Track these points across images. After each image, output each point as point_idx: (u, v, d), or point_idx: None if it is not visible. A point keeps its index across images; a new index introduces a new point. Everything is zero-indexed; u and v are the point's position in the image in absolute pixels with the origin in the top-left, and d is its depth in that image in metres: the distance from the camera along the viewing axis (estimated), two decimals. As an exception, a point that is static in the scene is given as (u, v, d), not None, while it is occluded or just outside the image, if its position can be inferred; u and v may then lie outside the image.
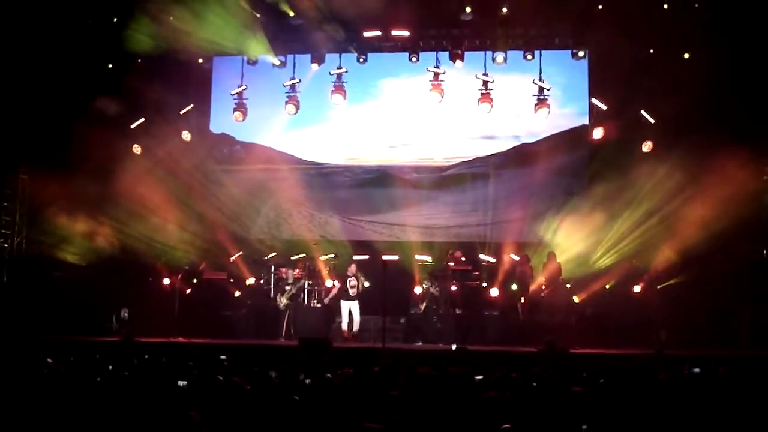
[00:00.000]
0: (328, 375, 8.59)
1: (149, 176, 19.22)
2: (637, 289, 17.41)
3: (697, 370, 10.30)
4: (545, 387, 8.75)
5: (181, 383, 7.98)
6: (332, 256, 18.35)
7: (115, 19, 19.10)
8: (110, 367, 9.95)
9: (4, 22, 18.13)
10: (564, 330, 16.36)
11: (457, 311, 17.79)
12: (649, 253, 17.58)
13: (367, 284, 17.63)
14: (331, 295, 18.00)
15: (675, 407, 6.47)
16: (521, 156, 19.91)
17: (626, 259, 17.90)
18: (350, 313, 17.66)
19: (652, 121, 18.19)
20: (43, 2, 17.29)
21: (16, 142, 19.43)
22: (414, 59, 19.41)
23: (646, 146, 18.27)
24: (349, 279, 17.77)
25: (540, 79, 18.93)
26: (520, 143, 20.06)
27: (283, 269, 18.56)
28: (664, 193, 17.71)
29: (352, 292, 17.69)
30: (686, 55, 17.62)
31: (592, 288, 17.48)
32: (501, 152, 20.19)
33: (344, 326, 17.63)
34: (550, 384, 8.91)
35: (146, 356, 11.86)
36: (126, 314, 18.51)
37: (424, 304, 17.58)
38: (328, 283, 18.25)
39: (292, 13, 18.93)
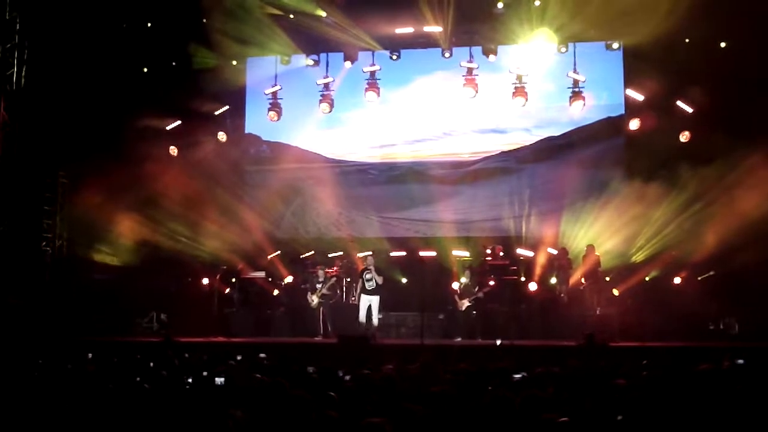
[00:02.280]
0: (367, 372, 8.61)
1: (186, 177, 19.35)
2: (677, 280, 17.23)
3: (740, 361, 10.18)
4: (586, 381, 8.70)
5: (218, 381, 8.03)
6: (369, 253, 18.26)
7: (149, 24, 19.25)
8: (151, 365, 10.05)
9: (43, 28, 18.42)
10: (604, 323, 16.27)
11: (496, 306, 17.69)
12: (688, 244, 17.38)
13: (380, 280, 16.92)
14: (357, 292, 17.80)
15: (715, 399, 6.39)
16: (550, 149, 19.81)
17: (666, 250, 17.73)
18: (369, 309, 17.01)
19: (690, 110, 17.98)
20: (79, 8, 17.43)
21: (56, 145, 19.67)
22: (447, 55, 19.33)
23: (684, 136, 18.11)
24: (365, 272, 17.16)
25: (574, 71, 18.79)
26: (547, 136, 19.91)
27: (317, 267, 18.56)
28: (702, 183, 17.53)
29: (369, 285, 16.98)
30: (723, 44, 17.40)
31: (632, 280, 17.31)
32: (527, 146, 20.08)
33: (361, 320, 16.93)
34: (591, 378, 8.86)
35: (186, 355, 11.96)
36: (164, 317, 18.64)
37: (463, 300, 17.49)
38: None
39: (324, 14, 18.99)
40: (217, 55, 19.69)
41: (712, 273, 17.02)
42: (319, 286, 17.91)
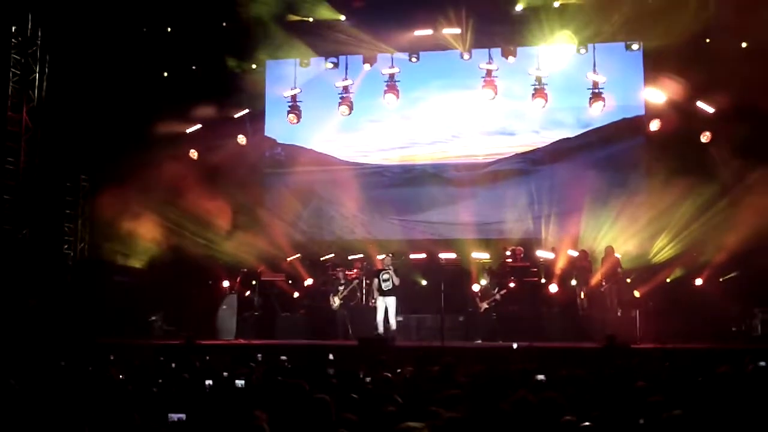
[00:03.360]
0: (388, 374, 8.63)
1: (206, 180, 19.43)
2: (698, 281, 17.13)
3: (763, 363, 10.12)
4: (607, 383, 8.68)
5: (238, 383, 8.06)
6: (386, 256, 18.20)
7: (169, 29, 19.35)
8: (173, 365, 10.11)
9: (64, 34, 18.57)
10: (625, 325, 16.21)
11: (516, 308, 17.65)
12: (710, 244, 17.28)
13: (397, 281, 16.79)
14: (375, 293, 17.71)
15: (737, 402, 6.36)
16: (567, 150, 19.77)
17: (687, 251, 17.65)
18: (386, 311, 16.84)
19: (710, 111, 17.88)
20: (100, 13, 17.55)
21: (78, 150, 19.84)
22: (466, 57, 19.31)
23: (704, 137, 18.02)
24: (381, 273, 17.01)
25: (594, 72, 18.74)
26: (564, 138, 19.88)
27: (338, 270, 18.59)
28: (723, 183, 17.45)
29: (386, 286, 16.81)
30: (744, 45, 17.31)
31: (653, 281, 17.23)
32: (545, 147, 20.04)
33: (379, 322, 16.78)
34: (612, 380, 8.83)
35: (207, 357, 12.02)
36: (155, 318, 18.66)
37: (483, 302, 17.47)
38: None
39: (343, 17, 19.06)
40: (236, 59, 19.83)
41: (734, 274, 16.91)
42: (341, 288, 17.94)
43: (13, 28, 18.77)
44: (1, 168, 18.63)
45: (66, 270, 20.08)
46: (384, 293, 16.82)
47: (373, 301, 17.52)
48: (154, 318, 18.54)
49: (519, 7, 18.11)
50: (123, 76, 19.02)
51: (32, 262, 18.72)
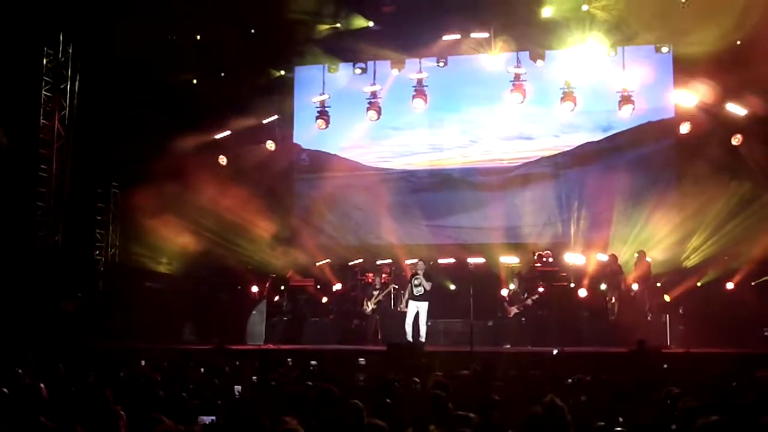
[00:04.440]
0: (416, 379, 8.63)
1: (236, 186, 19.52)
2: (730, 285, 16.97)
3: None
4: (638, 388, 8.63)
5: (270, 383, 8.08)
6: (418, 261, 18.13)
7: (198, 37, 19.47)
8: (202, 370, 10.16)
9: (96, 41, 18.75)
10: (655, 330, 16.10)
11: (546, 313, 17.58)
12: (742, 248, 17.14)
13: (428, 286, 16.67)
14: (405, 298, 17.58)
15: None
16: (595, 153, 19.67)
17: (718, 255, 17.50)
18: (416, 316, 16.81)
19: (742, 113, 17.73)
20: (130, 21, 17.70)
21: (108, 156, 20.04)
22: (494, 61, 19.25)
23: (736, 139, 17.88)
24: (414, 278, 16.95)
25: (624, 75, 18.63)
26: (592, 140, 19.79)
27: (370, 274, 18.61)
28: (755, 186, 17.31)
29: (417, 291, 16.76)
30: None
31: (684, 286, 17.09)
32: (567, 151, 19.96)
33: (408, 328, 16.75)
34: (643, 385, 8.78)
35: (237, 362, 12.07)
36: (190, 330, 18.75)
37: (512, 307, 17.41)
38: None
39: (370, 23, 19.11)
40: (265, 65, 19.97)
41: (766, 278, 16.73)
42: (375, 293, 17.98)
43: (45, 37, 18.98)
44: (34, 175, 18.83)
45: (97, 275, 20.25)
46: (416, 298, 16.77)
47: (402, 306, 17.47)
48: (186, 328, 18.61)
49: (548, 11, 18.02)
50: (153, 83, 19.15)
51: (64, 267, 18.90)
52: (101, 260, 20.58)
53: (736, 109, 17.81)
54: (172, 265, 20.26)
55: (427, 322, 16.80)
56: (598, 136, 19.78)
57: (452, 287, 18.42)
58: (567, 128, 19.86)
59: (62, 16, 18.80)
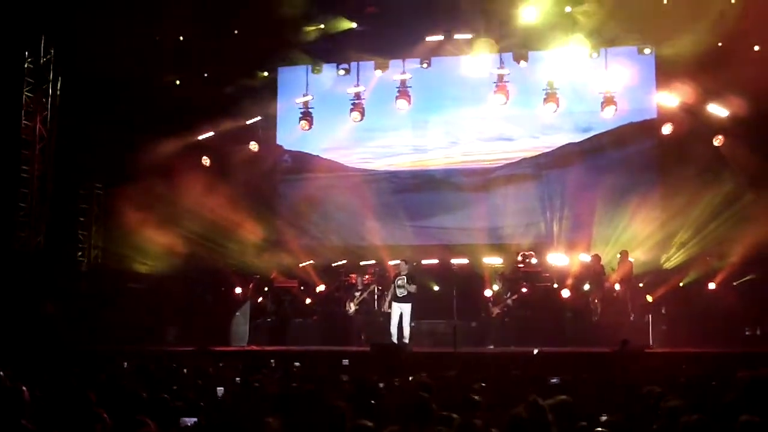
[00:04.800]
0: (402, 380, 8.64)
1: (219, 187, 19.49)
2: (712, 286, 17.07)
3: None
4: (621, 387, 8.67)
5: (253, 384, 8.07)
6: (401, 262, 18.12)
7: (181, 38, 19.40)
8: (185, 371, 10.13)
9: (78, 42, 18.66)
10: (638, 330, 16.17)
11: (529, 313, 17.62)
12: (724, 248, 17.26)
13: (412, 288, 16.50)
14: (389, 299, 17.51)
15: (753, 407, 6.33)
16: (577, 154, 19.73)
17: (700, 255, 17.61)
18: (400, 317, 16.61)
19: (723, 114, 17.85)
20: (113, 21, 17.63)
21: (90, 157, 19.95)
22: (477, 62, 19.29)
23: (717, 140, 18.00)
24: (398, 279, 16.73)
25: (606, 77, 18.71)
26: (573, 141, 19.86)
27: (353, 275, 18.61)
28: (737, 186, 17.42)
29: (401, 293, 16.51)
30: (756, 48, 17.26)
31: (666, 286, 17.18)
32: (548, 152, 20.03)
33: (393, 330, 16.57)
34: (625, 384, 8.82)
35: (220, 364, 12.04)
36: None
37: (495, 307, 17.45)
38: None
39: (354, 24, 19.12)
40: (248, 66, 19.96)
41: (748, 278, 16.84)
42: (357, 294, 17.96)
43: (27, 39, 18.88)
44: (16, 176, 18.72)
45: (80, 277, 20.16)
46: (399, 300, 16.66)
47: (386, 307, 17.45)
48: (169, 329, 18.55)
49: (530, 13, 18.05)
50: (136, 85, 19.07)
51: (46, 269, 18.80)
52: (84, 261, 20.48)
53: (717, 110, 17.94)
54: (155, 266, 20.17)
55: (410, 323, 16.74)
56: (580, 137, 19.84)
57: (436, 288, 18.45)
58: (549, 129, 19.92)
59: (44, 18, 18.68)
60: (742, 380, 7.37)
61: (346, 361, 12.64)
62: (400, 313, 16.61)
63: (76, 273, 20.17)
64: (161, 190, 18.97)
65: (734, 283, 16.92)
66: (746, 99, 17.08)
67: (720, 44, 17.47)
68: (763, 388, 7.00)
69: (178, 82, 20.17)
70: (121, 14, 17.74)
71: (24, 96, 18.90)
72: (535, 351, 14.47)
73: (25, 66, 18.93)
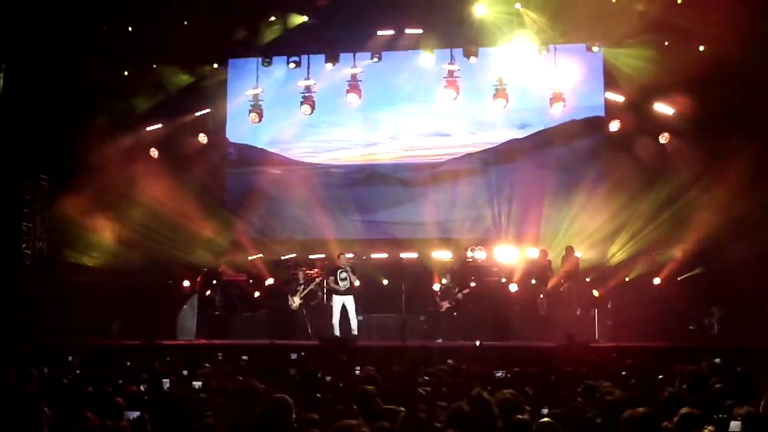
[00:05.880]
0: (349, 373, 8.64)
1: (167, 179, 19.30)
2: (657, 281, 17.33)
3: (717, 360, 10.29)
4: (566, 381, 8.76)
5: (196, 384, 8.02)
6: (341, 255, 18.00)
7: (130, 29, 19.14)
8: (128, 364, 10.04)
9: (22, 31, 18.29)
10: (584, 324, 16.37)
11: (477, 307, 17.73)
12: (668, 244, 17.54)
13: (357, 283, 16.63)
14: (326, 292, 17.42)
15: (695, 399, 6.45)
16: (526, 149, 19.81)
17: (645, 250, 17.86)
18: (344, 310, 16.69)
19: (670, 112, 18.12)
20: (59, 10, 17.34)
21: (35, 148, 19.60)
22: (428, 57, 19.34)
23: (663, 138, 18.28)
24: (339, 272, 16.91)
25: (555, 74, 18.87)
26: (521, 137, 19.96)
27: (298, 270, 18.52)
28: (681, 183, 17.71)
29: (344, 285, 16.64)
30: (701, 48, 17.54)
31: (612, 281, 17.40)
32: (492, 148, 20.11)
33: (335, 323, 16.63)
34: (570, 378, 8.92)
35: (167, 358, 11.95)
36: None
37: (444, 301, 17.50)
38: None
39: (305, 18, 19.05)
40: (198, 58, 19.79)
41: (692, 273, 17.11)
42: (299, 288, 17.88)
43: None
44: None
45: (24, 269, 19.82)
46: (341, 293, 16.69)
47: (329, 300, 17.42)
48: (115, 323, 18.36)
49: (480, 9, 18.14)
50: (83, 75, 18.76)
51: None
52: (28, 254, 20.12)
53: (664, 109, 18.20)
54: (101, 259, 19.92)
55: (358, 317, 16.77)
56: (529, 133, 19.95)
57: (385, 282, 18.48)
58: (497, 125, 19.97)
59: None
60: (682, 374, 7.52)
61: (294, 355, 12.60)
62: (342, 305, 16.61)
63: (20, 265, 19.82)
64: (108, 182, 18.76)
65: (678, 279, 17.20)
66: (691, 98, 17.36)
67: (666, 43, 17.74)
68: (703, 381, 7.15)
69: (126, 73, 19.89)
70: (68, 4, 17.46)
71: (-34, 85, 18.53)
72: (477, 343, 14.58)
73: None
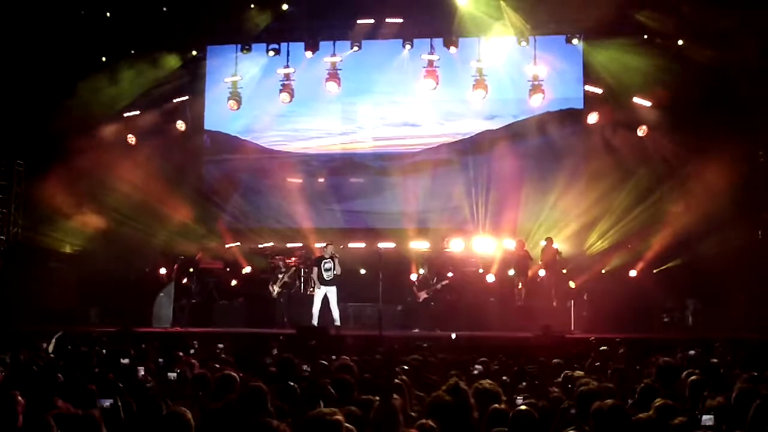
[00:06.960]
0: (325, 362, 8.64)
1: (144, 166, 19.22)
2: (633, 273, 17.42)
3: (692, 352, 10.37)
4: (542, 372, 8.80)
5: (171, 375, 7.98)
6: (327, 244, 17.97)
7: (108, 14, 18.97)
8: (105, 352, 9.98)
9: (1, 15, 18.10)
10: (560, 315, 16.44)
11: (454, 298, 17.76)
12: (644, 236, 17.64)
13: (338, 271, 16.45)
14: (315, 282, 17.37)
15: (669, 391, 6.50)
16: (504, 140, 19.80)
17: (622, 242, 17.96)
18: (326, 301, 16.54)
19: (648, 105, 18.21)
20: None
21: (11, 132, 19.40)
22: (408, 46, 19.35)
23: (641, 131, 18.37)
24: (324, 262, 16.61)
25: (534, 65, 18.89)
26: (500, 127, 19.99)
27: (277, 258, 18.48)
28: (658, 176, 17.83)
29: (328, 275, 16.41)
30: (680, 42, 17.62)
31: (589, 273, 17.48)
32: (468, 138, 20.17)
33: (315, 312, 16.47)
34: (546, 369, 8.96)
35: (143, 345, 11.88)
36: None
37: (421, 292, 17.52)
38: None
39: (286, 6, 18.97)
40: (177, 44, 19.66)
41: (668, 265, 17.23)
42: (280, 276, 17.84)
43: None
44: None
45: (-1, 255, 19.71)
46: (326, 282, 16.56)
47: (312, 290, 17.35)
48: (92, 310, 18.25)
49: (462, -1, 18.17)
50: (61, 61, 18.60)
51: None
52: (3, 239, 19.97)
53: (642, 102, 18.28)
54: (78, 245, 19.81)
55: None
56: (508, 123, 19.96)
57: (362, 272, 18.45)
58: (478, 115, 20.03)
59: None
60: (656, 365, 7.57)
61: (274, 345, 12.57)
62: (324, 295, 16.55)
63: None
64: (85, 168, 18.60)
65: (654, 271, 17.31)
66: (670, 91, 17.45)
67: (645, 37, 17.83)
68: (676, 373, 7.20)
69: (104, 59, 19.73)
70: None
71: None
72: (453, 335, 14.60)
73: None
